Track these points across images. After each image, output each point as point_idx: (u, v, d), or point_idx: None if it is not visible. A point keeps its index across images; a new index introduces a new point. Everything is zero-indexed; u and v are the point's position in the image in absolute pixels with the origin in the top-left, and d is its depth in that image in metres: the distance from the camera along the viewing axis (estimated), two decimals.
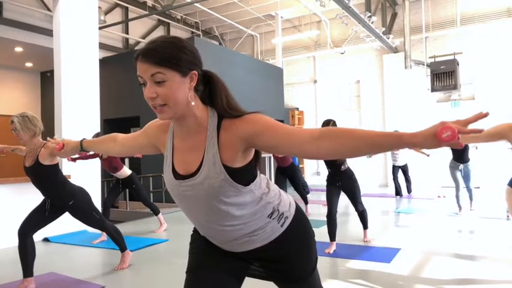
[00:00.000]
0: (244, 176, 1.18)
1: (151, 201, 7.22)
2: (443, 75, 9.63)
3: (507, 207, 2.92)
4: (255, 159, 1.23)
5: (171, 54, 1.08)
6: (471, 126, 0.97)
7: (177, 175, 1.22)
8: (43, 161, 3.08)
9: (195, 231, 1.42)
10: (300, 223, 1.35)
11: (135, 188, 5.21)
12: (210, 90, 1.19)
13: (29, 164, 3.15)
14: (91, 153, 2.93)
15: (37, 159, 3.08)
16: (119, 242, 3.63)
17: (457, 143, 0.94)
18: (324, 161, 4.28)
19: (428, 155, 6.99)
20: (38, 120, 3.15)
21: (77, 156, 3.44)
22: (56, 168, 3.20)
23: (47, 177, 3.18)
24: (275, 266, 1.32)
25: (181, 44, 1.11)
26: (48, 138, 1.97)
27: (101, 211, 4.93)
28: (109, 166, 5.02)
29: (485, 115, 0.95)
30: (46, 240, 4.96)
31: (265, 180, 1.31)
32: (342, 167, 4.17)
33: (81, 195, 3.35)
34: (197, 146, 1.18)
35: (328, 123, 4.09)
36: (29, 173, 3.18)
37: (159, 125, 1.33)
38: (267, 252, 1.29)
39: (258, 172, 1.27)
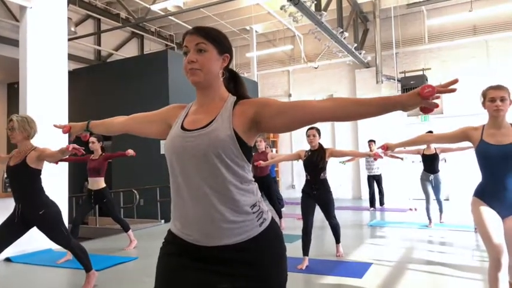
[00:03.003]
0: (244, 149, 1.29)
1: (122, 217, 7.05)
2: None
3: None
4: (251, 150, 1.36)
5: (216, 35, 1.37)
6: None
7: (184, 130, 1.34)
8: (30, 162, 3.15)
9: (164, 243, 1.39)
10: (275, 232, 1.36)
11: (106, 202, 5.06)
12: (235, 83, 1.45)
13: (14, 163, 3.19)
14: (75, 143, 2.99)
15: (24, 159, 3.15)
16: (84, 261, 3.49)
17: (433, 104, 1.12)
18: (305, 166, 4.26)
19: (402, 159, 7.00)
20: (35, 124, 3.26)
21: (66, 157, 3.53)
22: (38, 173, 3.25)
23: (27, 180, 3.19)
24: (246, 271, 1.27)
25: (224, 34, 1.42)
26: (54, 124, 2.02)
27: (70, 228, 4.77)
28: (95, 167, 4.92)
29: (456, 81, 1.16)
30: (8, 260, 4.71)
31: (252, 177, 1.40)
32: (322, 174, 4.18)
33: (53, 207, 3.31)
34: (212, 111, 1.33)
35: (312, 129, 4.22)
36: (11, 172, 3.21)
37: (178, 105, 1.51)
38: (241, 254, 1.27)
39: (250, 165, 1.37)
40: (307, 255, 4.12)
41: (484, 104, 2.50)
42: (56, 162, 4.06)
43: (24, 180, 3.20)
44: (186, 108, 1.45)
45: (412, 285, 3.50)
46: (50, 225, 3.28)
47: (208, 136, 1.27)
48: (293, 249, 4.58)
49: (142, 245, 5.34)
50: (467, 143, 2.68)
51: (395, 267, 4.04)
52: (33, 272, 4.32)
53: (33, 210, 3.19)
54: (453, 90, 1.15)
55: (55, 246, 4.84)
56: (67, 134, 1.94)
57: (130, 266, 4.43)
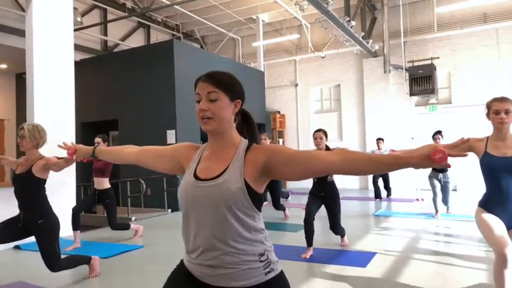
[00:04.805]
0: (255, 199, 1.30)
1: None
2: (421, 80, 9.79)
3: None
4: (261, 199, 1.36)
5: (228, 82, 1.37)
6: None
7: (197, 178, 1.34)
8: (36, 172, 3.16)
9: (176, 268, 1.43)
10: (283, 284, 1.36)
11: (108, 203, 5.02)
12: (247, 125, 1.47)
13: (20, 171, 3.21)
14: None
15: (30, 168, 3.16)
16: (79, 263, 3.51)
17: (446, 164, 1.12)
18: None
19: None
20: (46, 134, 3.26)
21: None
22: (43, 183, 3.25)
23: (31, 189, 3.21)
24: None
25: (236, 78, 1.41)
26: (59, 144, 1.94)
27: (70, 218, 4.81)
28: (100, 167, 4.94)
29: (467, 141, 1.21)
30: (17, 247, 4.79)
31: (263, 224, 1.40)
32: (329, 176, 4.17)
33: (53, 219, 3.26)
34: (224, 159, 1.34)
35: (319, 131, 4.24)
36: (16, 180, 3.23)
37: (191, 145, 1.51)
38: None
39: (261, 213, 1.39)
40: (311, 246, 4.12)
41: (488, 115, 2.54)
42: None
43: (28, 189, 3.20)
44: (199, 151, 1.45)
45: (416, 274, 3.50)
46: (46, 237, 3.22)
47: (219, 188, 1.28)
48: (297, 238, 4.61)
49: (148, 234, 5.40)
50: None
51: (399, 257, 4.04)
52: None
53: (33, 218, 3.20)
54: (465, 155, 1.16)
55: (64, 234, 4.90)
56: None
57: (136, 254, 4.49)
